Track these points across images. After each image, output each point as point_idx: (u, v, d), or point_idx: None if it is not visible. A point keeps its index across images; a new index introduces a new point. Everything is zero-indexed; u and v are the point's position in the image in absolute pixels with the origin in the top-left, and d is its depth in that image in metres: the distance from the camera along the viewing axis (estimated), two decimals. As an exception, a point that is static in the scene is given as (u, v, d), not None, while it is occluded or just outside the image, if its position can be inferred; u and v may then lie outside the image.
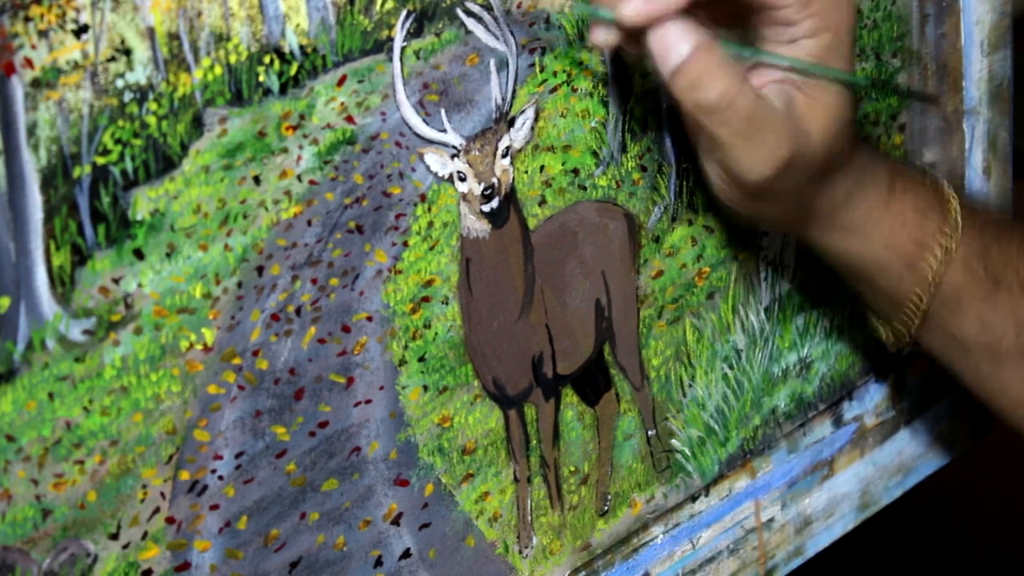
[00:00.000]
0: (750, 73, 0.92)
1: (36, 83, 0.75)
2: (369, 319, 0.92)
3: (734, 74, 0.88)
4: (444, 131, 0.93)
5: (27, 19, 0.74)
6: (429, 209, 0.94)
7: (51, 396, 0.79)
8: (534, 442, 1.02)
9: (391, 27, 0.89)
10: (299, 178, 0.87)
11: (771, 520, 1.19)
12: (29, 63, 0.75)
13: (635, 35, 0.89)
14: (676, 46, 0.87)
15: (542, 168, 0.99)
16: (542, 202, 0.99)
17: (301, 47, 0.86)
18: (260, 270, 0.87)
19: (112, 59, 0.78)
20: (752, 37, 0.93)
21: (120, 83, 0.78)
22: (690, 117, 0.91)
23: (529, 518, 1.03)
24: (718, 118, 0.89)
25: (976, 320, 1.03)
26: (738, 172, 0.92)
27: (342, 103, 0.88)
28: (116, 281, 0.81)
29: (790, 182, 0.93)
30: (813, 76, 0.91)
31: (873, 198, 0.99)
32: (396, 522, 0.96)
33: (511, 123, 0.96)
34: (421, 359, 0.95)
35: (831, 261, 1.04)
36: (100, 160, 0.79)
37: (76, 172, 0.78)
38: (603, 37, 0.90)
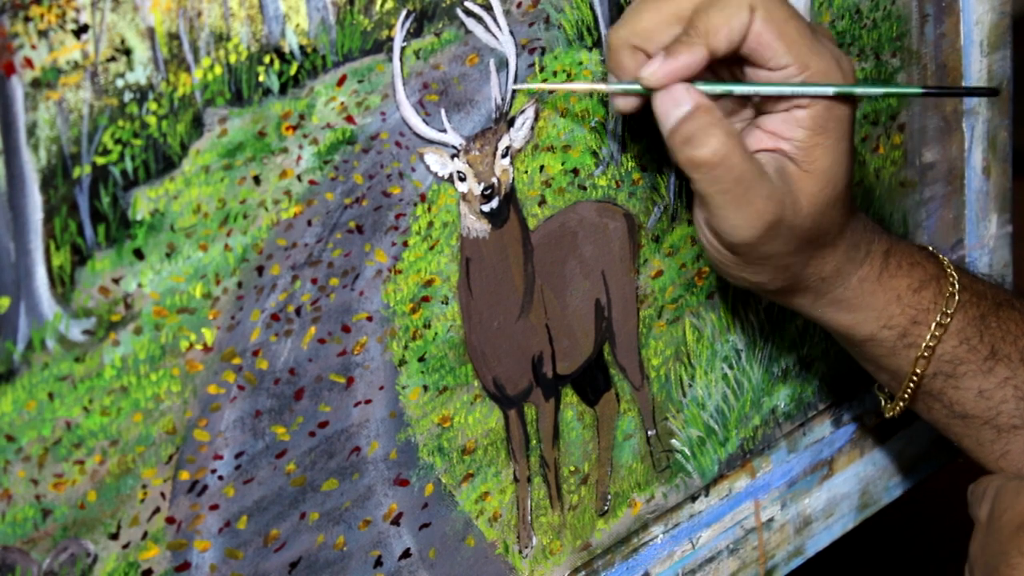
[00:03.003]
0: (746, 137, 0.94)
1: (36, 83, 0.75)
2: (369, 319, 0.92)
3: (729, 134, 0.91)
4: (444, 131, 0.93)
5: (27, 19, 0.74)
6: (429, 209, 0.94)
7: (51, 396, 0.79)
8: (534, 442, 1.02)
9: (391, 27, 0.89)
10: (299, 178, 0.87)
11: (771, 520, 1.19)
12: (29, 63, 0.75)
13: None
14: (678, 104, 0.91)
15: (542, 168, 0.99)
16: (542, 202, 0.99)
17: (301, 47, 0.86)
18: (260, 270, 0.87)
19: (112, 59, 0.78)
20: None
21: (120, 83, 0.78)
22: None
23: (529, 518, 1.03)
24: (709, 175, 0.91)
25: (974, 390, 1.04)
26: (724, 232, 0.93)
27: (342, 103, 0.88)
28: (116, 281, 0.81)
29: (776, 248, 0.94)
30: (810, 139, 0.93)
31: (865, 274, 0.99)
32: (396, 522, 0.96)
33: (511, 123, 0.96)
34: (421, 359, 0.95)
35: (826, 329, 1.04)
36: (100, 160, 0.79)
37: (76, 172, 0.78)
38: (622, 104, 0.95)
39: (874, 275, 1.00)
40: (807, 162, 0.93)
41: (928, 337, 1.01)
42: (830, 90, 0.92)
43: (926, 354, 1.02)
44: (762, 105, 0.94)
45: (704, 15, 0.90)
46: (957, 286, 1.02)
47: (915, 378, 1.03)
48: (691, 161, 0.91)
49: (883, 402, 1.09)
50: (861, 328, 1.01)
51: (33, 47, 0.75)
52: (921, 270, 1.02)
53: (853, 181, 0.97)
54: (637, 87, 0.93)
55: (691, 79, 0.91)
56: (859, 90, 0.94)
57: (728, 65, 0.94)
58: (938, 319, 1.01)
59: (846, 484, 1.24)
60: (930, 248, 1.06)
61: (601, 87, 0.97)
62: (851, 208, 0.98)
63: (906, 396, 1.04)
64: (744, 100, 0.95)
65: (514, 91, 0.95)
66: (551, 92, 0.97)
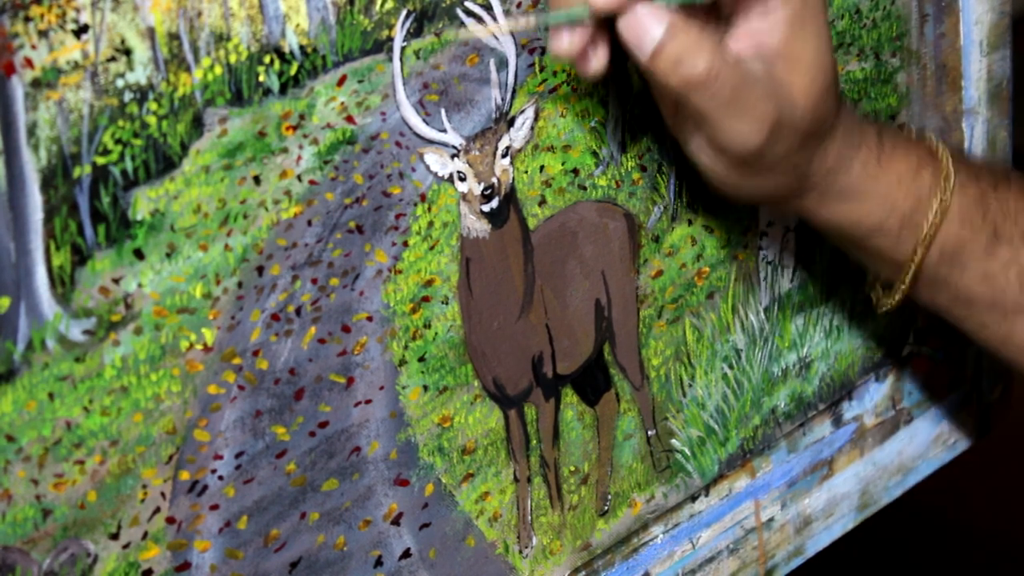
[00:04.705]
0: (725, 43, 0.93)
1: (36, 83, 0.75)
2: (369, 319, 0.92)
3: (714, 45, 0.89)
4: (444, 131, 0.93)
5: (27, 19, 0.74)
6: (429, 209, 0.94)
7: (51, 396, 0.79)
8: (534, 442, 1.02)
9: (391, 27, 0.89)
10: (299, 178, 0.87)
11: (771, 520, 1.19)
12: (29, 63, 0.75)
13: (595, 41, 0.90)
14: (649, 29, 0.88)
15: (542, 168, 0.99)
16: (542, 202, 0.99)
17: (301, 47, 0.86)
18: (260, 270, 0.87)
19: (112, 59, 0.78)
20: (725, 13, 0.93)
21: (120, 83, 0.78)
22: (671, 100, 0.91)
23: (529, 518, 1.03)
24: (706, 92, 0.89)
25: (978, 273, 1.02)
26: (727, 145, 0.92)
27: (342, 103, 0.88)
28: (116, 281, 0.81)
29: (780, 149, 0.93)
30: (790, 29, 0.91)
31: (865, 159, 0.98)
32: (396, 522, 0.96)
33: (511, 123, 0.96)
34: (421, 359, 0.95)
35: (829, 229, 1.03)
36: (100, 160, 0.79)
37: (76, 172, 0.78)
38: (567, 42, 0.90)
39: (874, 159, 0.99)
40: (791, 54, 0.92)
41: (931, 218, 1.00)
42: None
43: (929, 236, 1.00)
44: (733, 8, 0.92)
45: None
46: (951, 164, 1.01)
47: (916, 263, 1.01)
48: (686, 82, 0.88)
49: (877, 298, 1.07)
50: (868, 218, 1.00)
51: (33, 47, 0.75)
52: (915, 150, 1.01)
53: (838, 66, 0.95)
54: (582, 13, 0.88)
55: None
56: None
57: None
58: (939, 199, 1.00)
59: (846, 484, 1.24)
60: (920, 130, 1.04)
61: (552, 18, 0.89)
62: (841, 96, 0.97)
63: (905, 282, 1.03)
64: (711, 10, 0.92)
65: (514, 91, 0.95)
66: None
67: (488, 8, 0.93)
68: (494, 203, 0.95)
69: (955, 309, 1.06)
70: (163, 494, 0.85)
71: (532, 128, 0.97)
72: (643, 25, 0.88)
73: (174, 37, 0.80)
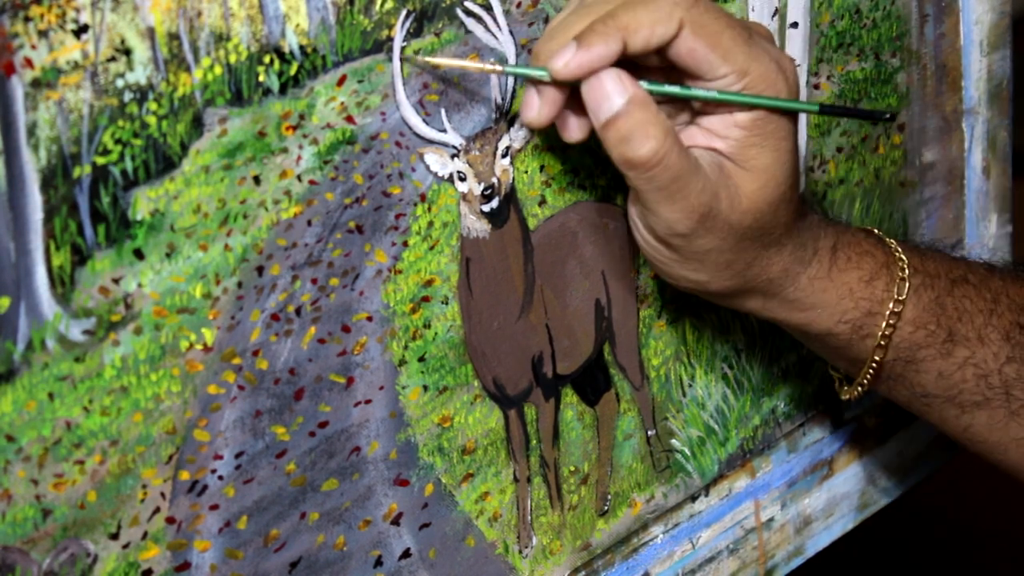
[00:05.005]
0: (682, 133, 0.92)
1: (36, 83, 0.75)
2: (369, 319, 0.92)
3: (666, 131, 0.88)
4: (444, 131, 0.93)
5: (27, 19, 0.74)
6: (429, 209, 0.94)
7: (51, 396, 0.79)
8: (534, 442, 1.02)
9: (391, 27, 0.89)
10: (299, 178, 0.87)
11: (771, 520, 1.19)
12: (29, 63, 0.75)
13: (570, 109, 0.90)
14: (610, 98, 0.87)
15: (542, 168, 0.99)
16: (542, 202, 0.99)
17: (301, 47, 0.86)
18: (260, 270, 0.87)
19: (112, 59, 0.78)
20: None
21: (120, 83, 0.78)
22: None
23: (529, 518, 1.03)
24: (643, 175, 0.88)
25: (934, 372, 1.03)
26: (656, 226, 0.92)
27: (342, 103, 0.88)
28: (116, 281, 0.81)
29: (711, 243, 0.92)
30: (747, 140, 0.91)
31: (815, 272, 0.98)
32: (396, 522, 0.96)
33: (511, 123, 0.96)
34: (421, 359, 0.95)
35: (779, 326, 1.03)
36: (100, 160, 0.79)
37: (76, 172, 0.78)
38: (535, 112, 0.90)
39: (824, 272, 0.98)
40: (743, 160, 0.91)
41: (884, 327, 1.00)
42: (770, 103, 0.90)
43: (883, 343, 1.00)
44: (701, 106, 0.92)
45: (629, 10, 0.86)
46: (908, 271, 1.01)
47: (874, 366, 1.02)
48: (627, 161, 0.88)
49: (838, 383, 1.08)
50: (815, 326, 1.00)
51: (33, 47, 0.75)
52: (871, 259, 1.00)
53: (799, 182, 0.95)
54: (541, 74, 0.88)
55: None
56: (778, 104, 0.91)
57: (665, 73, 0.91)
58: (892, 308, 1.00)
59: (846, 484, 1.24)
60: (877, 232, 1.04)
61: (512, 70, 0.91)
62: (799, 208, 0.96)
63: (865, 382, 1.04)
64: (682, 103, 0.93)
65: (514, 91, 0.95)
66: (447, 69, 0.92)
67: (488, 8, 0.93)
68: (494, 203, 0.95)
69: (914, 403, 1.06)
70: (163, 494, 0.85)
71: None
72: (605, 91, 0.87)
73: (174, 37, 0.80)
